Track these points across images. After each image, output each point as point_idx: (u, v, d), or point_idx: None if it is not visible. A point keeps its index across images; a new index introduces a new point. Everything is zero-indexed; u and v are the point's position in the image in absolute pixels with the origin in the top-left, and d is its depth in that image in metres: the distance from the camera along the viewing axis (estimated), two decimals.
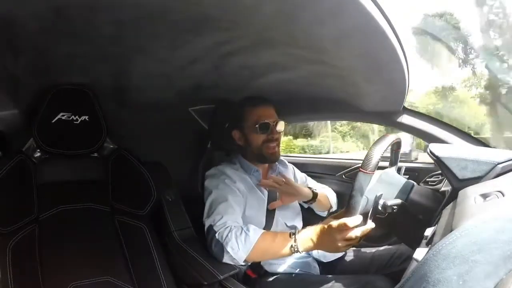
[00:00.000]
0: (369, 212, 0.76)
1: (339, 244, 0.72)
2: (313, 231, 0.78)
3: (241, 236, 0.80)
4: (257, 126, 0.96)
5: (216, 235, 0.83)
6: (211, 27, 0.57)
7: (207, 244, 0.87)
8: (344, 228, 0.69)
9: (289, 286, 0.86)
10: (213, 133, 1.12)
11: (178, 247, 1.02)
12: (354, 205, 0.68)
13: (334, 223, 0.71)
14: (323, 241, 0.76)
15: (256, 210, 0.97)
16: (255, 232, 0.81)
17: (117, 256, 0.93)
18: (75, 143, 0.89)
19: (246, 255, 0.80)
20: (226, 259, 0.83)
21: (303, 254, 1.01)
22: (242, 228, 0.82)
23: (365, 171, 0.66)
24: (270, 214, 0.98)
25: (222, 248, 0.82)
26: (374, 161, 0.66)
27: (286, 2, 0.46)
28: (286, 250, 0.79)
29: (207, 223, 0.88)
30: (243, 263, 0.83)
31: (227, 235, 0.81)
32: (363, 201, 0.71)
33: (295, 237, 0.78)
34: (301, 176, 1.17)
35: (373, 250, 1.05)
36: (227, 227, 0.83)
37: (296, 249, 0.78)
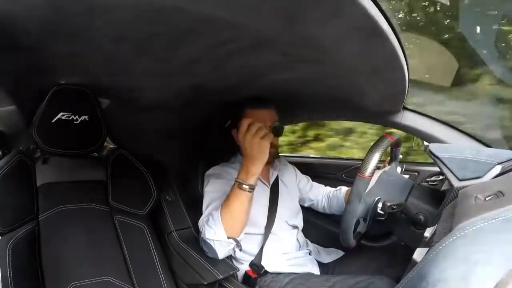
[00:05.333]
0: (368, 215, 0.76)
1: (256, 141, 0.80)
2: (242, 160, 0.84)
3: (209, 221, 0.82)
4: None
5: (201, 234, 0.84)
6: (211, 27, 0.57)
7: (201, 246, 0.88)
8: (248, 127, 0.81)
9: (289, 286, 0.86)
10: (213, 133, 1.12)
11: (178, 247, 1.02)
12: (352, 210, 0.69)
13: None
14: (250, 154, 0.81)
15: (257, 210, 0.97)
16: (217, 209, 0.83)
17: (117, 256, 0.93)
18: (75, 143, 0.89)
19: (223, 231, 0.80)
20: (219, 252, 0.82)
21: (304, 254, 1.01)
22: (208, 218, 0.83)
23: (363, 176, 0.66)
24: (271, 214, 0.99)
25: (208, 244, 0.82)
26: (372, 165, 0.66)
27: (286, 2, 0.46)
28: (242, 194, 0.80)
29: (199, 225, 0.88)
30: (232, 242, 0.82)
31: (204, 231, 0.82)
32: (362, 206, 0.72)
33: (237, 178, 0.82)
34: (303, 178, 1.17)
35: (373, 250, 1.05)
36: (203, 225, 0.84)
37: (246, 185, 0.80)
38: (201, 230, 0.84)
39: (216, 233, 0.80)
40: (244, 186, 0.80)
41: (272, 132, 0.97)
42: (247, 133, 0.82)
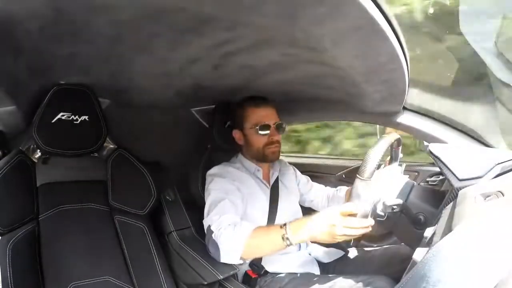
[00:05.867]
0: (367, 216, 0.76)
1: (337, 232, 0.67)
2: (307, 219, 0.74)
3: (233, 233, 0.80)
4: (257, 127, 0.97)
5: (213, 235, 0.83)
6: (211, 27, 0.57)
7: (206, 244, 0.87)
8: (347, 215, 0.67)
9: (289, 286, 0.86)
10: (213, 132, 1.12)
11: (178, 247, 1.02)
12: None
13: (338, 208, 0.69)
14: (317, 228, 0.70)
15: (257, 210, 0.97)
16: (247, 228, 0.80)
17: (117, 256, 0.93)
18: (75, 143, 0.89)
19: (239, 252, 0.79)
20: (223, 259, 0.82)
21: (304, 254, 1.01)
22: (235, 225, 0.81)
23: (362, 177, 0.66)
24: (271, 214, 0.98)
25: (217, 248, 0.81)
26: (371, 167, 0.66)
27: (286, 2, 0.46)
28: (279, 242, 0.74)
29: (205, 223, 0.88)
30: (241, 261, 0.82)
31: (221, 234, 0.81)
32: (361, 207, 0.72)
33: (286, 227, 0.74)
34: (303, 179, 1.17)
35: (373, 250, 1.05)
36: (222, 227, 0.82)
37: (288, 240, 0.73)
38: (214, 230, 0.83)
39: (232, 249, 0.80)
40: (285, 236, 0.74)
41: (276, 129, 0.98)
42: (340, 221, 0.68)
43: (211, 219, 0.86)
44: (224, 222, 0.83)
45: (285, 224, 0.76)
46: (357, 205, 0.68)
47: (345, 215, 0.68)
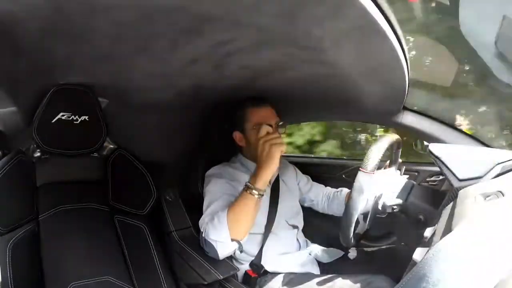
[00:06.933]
0: (368, 213, 0.76)
1: (267, 147, 0.82)
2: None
3: (214, 221, 0.81)
4: (259, 127, 0.97)
5: (203, 234, 0.83)
6: (211, 27, 0.57)
7: (202, 246, 0.87)
8: (264, 135, 0.86)
9: (289, 286, 0.86)
10: (213, 133, 1.12)
11: (178, 247, 1.03)
12: (354, 205, 0.68)
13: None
14: (259, 159, 0.83)
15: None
16: (223, 209, 0.82)
17: (117, 256, 0.93)
18: (75, 143, 0.89)
19: (227, 233, 0.79)
20: (220, 253, 0.82)
21: (304, 254, 1.01)
22: (213, 216, 0.83)
23: (365, 170, 0.66)
24: (271, 213, 0.98)
25: (210, 244, 0.81)
26: (374, 161, 0.66)
27: (286, 2, 0.46)
28: (250, 199, 0.81)
29: (200, 224, 0.88)
30: (236, 244, 0.82)
31: (206, 230, 0.82)
32: (363, 201, 0.72)
33: (247, 184, 0.82)
34: (303, 178, 1.17)
35: (373, 250, 1.05)
36: (207, 224, 0.83)
37: (255, 191, 0.81)
38: (203, 229, 0.83)
39: (220, 234, 0.79)
40: (252, 191, 0.80)
41: (277, 128, 0.98)
42: (263, 138, 0.85)
43: (204, 219, 0.86)
44: (208, 219, 0.84)
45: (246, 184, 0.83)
46: (360, 198, 0.68)
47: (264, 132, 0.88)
